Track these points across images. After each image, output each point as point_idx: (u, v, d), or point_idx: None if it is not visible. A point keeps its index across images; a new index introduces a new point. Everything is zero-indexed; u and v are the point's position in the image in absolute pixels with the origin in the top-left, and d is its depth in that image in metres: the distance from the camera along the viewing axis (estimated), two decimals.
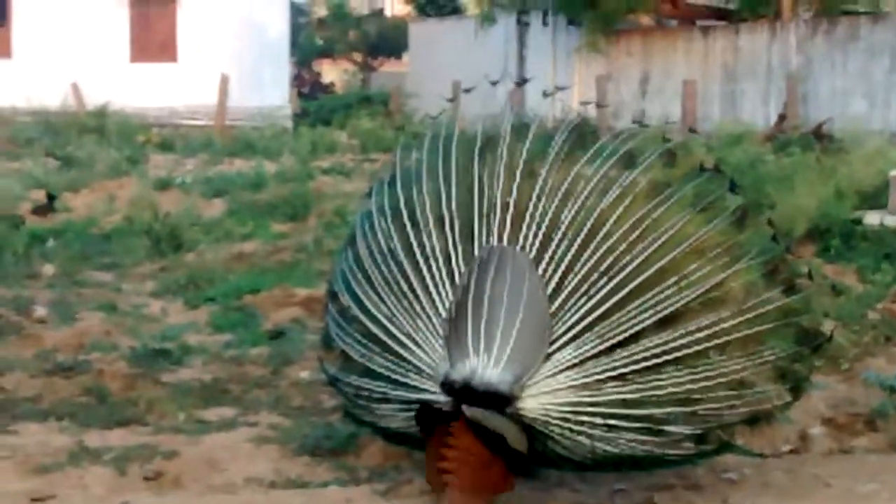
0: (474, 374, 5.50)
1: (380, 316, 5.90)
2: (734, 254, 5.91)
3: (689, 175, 6.11)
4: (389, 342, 5.83)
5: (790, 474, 6.43)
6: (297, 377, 8.35)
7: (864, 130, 19.79)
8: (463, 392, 5.49)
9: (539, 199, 5.91)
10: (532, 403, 5.56)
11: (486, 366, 5.52)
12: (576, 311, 5.66)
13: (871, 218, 13.01)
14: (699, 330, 5.72)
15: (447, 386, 5.56)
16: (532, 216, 5.87)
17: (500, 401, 5.49)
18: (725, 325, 5.77)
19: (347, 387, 6.11)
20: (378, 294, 5.94)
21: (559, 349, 5.62)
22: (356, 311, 6.04)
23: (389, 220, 6.12)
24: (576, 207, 5.87)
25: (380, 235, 6.09)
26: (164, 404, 7.70)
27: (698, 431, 5.80)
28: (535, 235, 5.82)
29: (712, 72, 29.41)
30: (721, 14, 32.09)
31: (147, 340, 9.20)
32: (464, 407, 5.39)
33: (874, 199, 13.87)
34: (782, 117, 24.44)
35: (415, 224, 6.02)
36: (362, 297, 6.01)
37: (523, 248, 5.79)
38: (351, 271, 6.16)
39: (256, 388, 8.15)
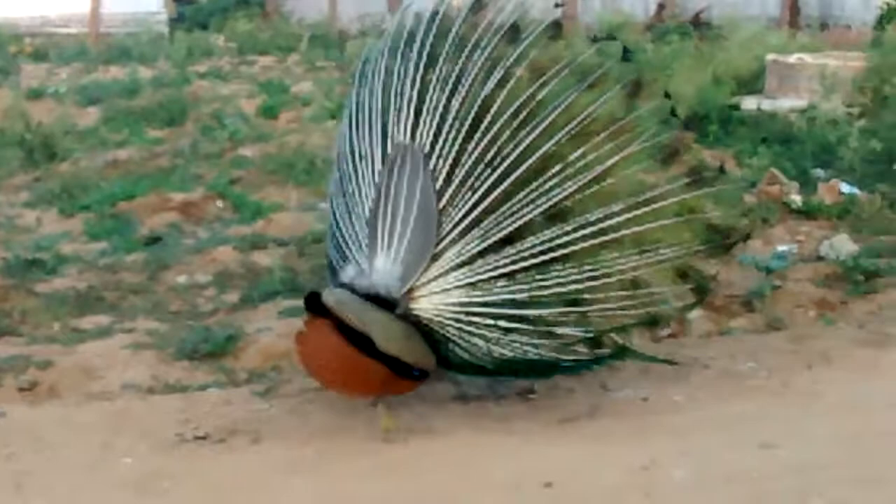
0: (357, 277, 5.43)
1: (342, 224, 5.79)
2: (624, 137, 5.71)
3: (576, 48, 5.93)
4: (345, 249, 5.75)
5: (669, 358, 6.46)
6: (174, 282, 8.24)
7: (741, 16, 19.82)
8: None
9: (434, 89, 5.77)
10: (425, 304, 5.48)
11: (375, 268, 5.44)
12: (462, 207, 5.55)
13: (749, 103, 13.13)
14: (587, 225, 5.56)
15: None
16: (427, 109, 5.74)
17: (385, 303, 5.41)
18: (616, 220, 5.60)
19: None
20: (344, 202, 5.83)
21: (448, 247, 5.52)
22: (332, 221, 5.93)
23: (346, 127, 6.01)
24: (462, 95, 5.72)
25: (346, 144, 5.96)
26: (39, 314, 7.58)
27: (591, 334, 5.68)
28: (429, 129, 5.70)
29: None
30: None
31: (20, 251, 9.01)
32: (322, 293, 5.25)
33: (751, 84, 13.99)
34: (661, 6, 24.43)
35: (358, 129, 5.91)
36: (334, 207, 5.92)
37: (419, 143, 5.66)
38: (334, 183, 6.04)
39: (132, 294, 8.02)
